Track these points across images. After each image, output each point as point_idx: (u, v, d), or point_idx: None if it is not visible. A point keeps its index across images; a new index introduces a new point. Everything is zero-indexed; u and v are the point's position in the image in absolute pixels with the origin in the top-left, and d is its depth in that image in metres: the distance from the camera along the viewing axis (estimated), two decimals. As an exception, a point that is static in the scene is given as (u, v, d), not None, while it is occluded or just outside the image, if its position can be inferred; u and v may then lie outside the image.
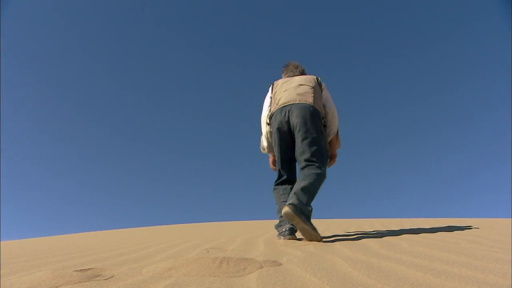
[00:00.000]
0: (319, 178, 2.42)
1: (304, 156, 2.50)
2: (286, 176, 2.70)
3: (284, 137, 2.64)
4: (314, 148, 2.50)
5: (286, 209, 2.24)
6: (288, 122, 2.60)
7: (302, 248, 2.07)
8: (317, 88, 2.74)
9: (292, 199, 2.31)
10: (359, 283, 1.13)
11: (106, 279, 1.29)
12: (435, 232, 2.78)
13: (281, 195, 2.65)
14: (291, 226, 2.51)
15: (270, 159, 2.98)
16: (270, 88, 2.92)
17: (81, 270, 1.45)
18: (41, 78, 16.32)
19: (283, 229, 2.54)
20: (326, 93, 2.80)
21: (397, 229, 3.30)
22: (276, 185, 2.72)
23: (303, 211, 2.26)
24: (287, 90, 2.71)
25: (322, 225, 4.61)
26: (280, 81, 2.88)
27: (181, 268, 1.39)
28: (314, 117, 2.55)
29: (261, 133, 2.90)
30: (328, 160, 2.79)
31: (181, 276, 1.28)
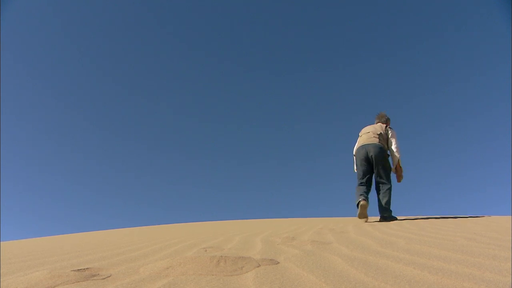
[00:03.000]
0: (390, 191, 4.40)
1: (380, 176, 4.48)
2: (365, 182, 4.54)
3: (365, 162, 4.55)
4: (384, 171, 4.47)
5: (381, 219, 4.38)
6: (366, 154, 4.53)
7: (300, 247, 2.08)
8: (384, 133, 4.64)
9: (382, 212, 4.37)
10: (356, 280, 1.13)
11: (103, 279, 1.28)
12: (432, 230, 2.79)
13: (360, 194, 4.43)
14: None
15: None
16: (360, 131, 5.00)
17: (78, 270, 1.44)
18: (40, 78, 16.25)
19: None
20: (392, 136, 4.65)
21: (394, 226, 3.32)
22: (359, 185, 4.55)
23: (388, 217, 4.33)
24: (366, 134, 4.69)
25: (319, 224, 4.62)
26: (365, 127, 4.87)
27: (178, 267, 1.39)
28: (382, 152, 4.50)
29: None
30: (398, 178, 4.69)
31: (178, 275, 1.28)
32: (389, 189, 4.37)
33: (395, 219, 4.34)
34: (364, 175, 4.53)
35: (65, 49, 16.15)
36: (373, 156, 4.44)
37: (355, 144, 4.94)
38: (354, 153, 4.86)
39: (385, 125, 4.75)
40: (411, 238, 2.30)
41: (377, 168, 4.46)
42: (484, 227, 2.93)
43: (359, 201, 4.29)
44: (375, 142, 4.50)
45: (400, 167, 4.62)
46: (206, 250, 2.08)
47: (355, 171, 4.80)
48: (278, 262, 1.53)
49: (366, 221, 4.31)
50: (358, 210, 4.30)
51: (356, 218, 5.70)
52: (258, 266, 1.42)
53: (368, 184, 4.53)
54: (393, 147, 4.60)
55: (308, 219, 7.03)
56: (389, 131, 4.68)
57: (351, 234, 2.75)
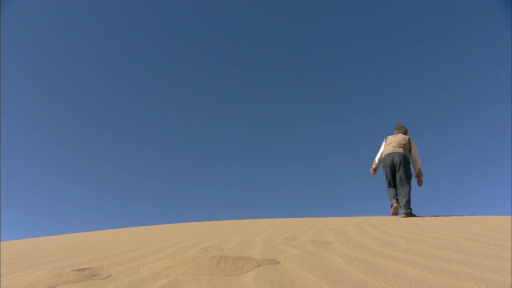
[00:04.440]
0: (409, 192, 5.35)
1: (401, 179, 5.42)
2: (392, 184, 5.59)
3: (391, 167, 5.55)
4: (406, 175, 5.42)
5: (403, 215, 5.18)
6: (393, 161, 5.52)
7: (300, 247, 2.08)
8: (407, 143, 5.66)
9: (404, 209, 5.23)
10: (357, 280, 1.14)
11: (103, 279, 1.28)
12: (432, 230, 2.79)
13: (393, 196, 5.50)
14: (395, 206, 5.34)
15: (373, 167, 6.07)
16: (385, 140, 5.95)
17: (78, 269, 1.44)
18: (40, 78, 16.25)
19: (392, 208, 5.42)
20: (413, 147, 5.67)
21: (394, 226, 3.32)
22: (388, 187, 5.63)
23: (409, 214, 5.16)
24: (391, 143, 5.68)
25: (319, 224, 4.62)
26: (390, 137, 5.88)
27: (178, 267, 1.39)
28: (406, 160, 5.50)
29: (375, 157, 6.07)
30: (419, 183, 5.74)
31: (178, 275, 1.28)
32: (409, 191, 5.34)
33: (414, 216, 5.18)
34: (392, 178, 5.59)
35: (65, 48, 16.14)
36: (397, 162, 5.46)
37: (378, 149, 6.03)
38: (379, 156, 5.94)
39: (407, 136, 5.76)
40: (411, 238, 2.30)
41: (399, 172, 5.44)
42: (484, 227, 2.93)
43: (393, 204, 5.37)
44: (400, 151, 5.54)
45: (421, 173, 5.66)
46: (206, 250, 2.08)
47: (375, 161, 5.97)
48: (278, 262, 1.53)
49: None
50: (392, 210, 5.39)
51: (357, 218, 5.76)
52: (258, 266, 1.42)
53: (395, 186, 5.59)
54: (415, 156, 5.66)
55: (308, 219, 7.02)
56: (411, 142, 5.72)
57: (351, 234, 2.76)
